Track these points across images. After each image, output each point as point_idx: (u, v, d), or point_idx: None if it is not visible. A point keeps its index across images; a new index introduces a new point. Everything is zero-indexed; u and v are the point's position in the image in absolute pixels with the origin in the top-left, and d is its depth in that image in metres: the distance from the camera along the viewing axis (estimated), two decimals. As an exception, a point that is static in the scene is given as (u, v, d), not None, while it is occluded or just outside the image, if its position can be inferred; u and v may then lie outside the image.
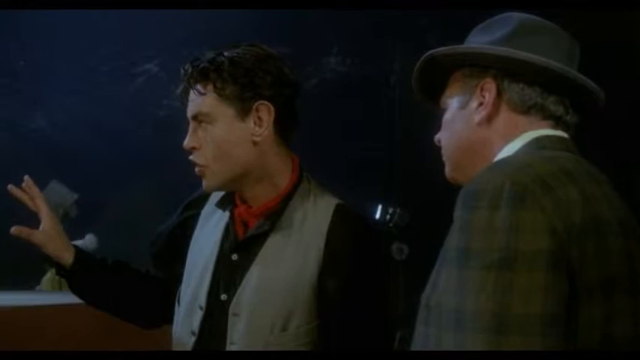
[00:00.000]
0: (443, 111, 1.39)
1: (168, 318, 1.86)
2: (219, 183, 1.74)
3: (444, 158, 1.39)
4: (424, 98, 1.45)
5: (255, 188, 1.75)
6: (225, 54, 1.71)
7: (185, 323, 1.78)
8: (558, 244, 1.08)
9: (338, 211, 1.73)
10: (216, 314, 1.73)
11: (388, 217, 4.26)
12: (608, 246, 1.14)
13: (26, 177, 1.81)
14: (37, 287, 6.09)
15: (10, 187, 1.80)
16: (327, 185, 1.82)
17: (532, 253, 1.07)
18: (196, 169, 1.74)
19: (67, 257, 1.80)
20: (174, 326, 1.83)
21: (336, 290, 1.68)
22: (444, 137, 1.38)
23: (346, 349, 1.68)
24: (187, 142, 1.73)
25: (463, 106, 1.34)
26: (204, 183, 1.75)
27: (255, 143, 1.71)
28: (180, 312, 1.81)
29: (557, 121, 1.31)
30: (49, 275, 6.03)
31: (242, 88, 1.69)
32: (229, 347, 1.70)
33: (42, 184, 1.88)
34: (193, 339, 1.75)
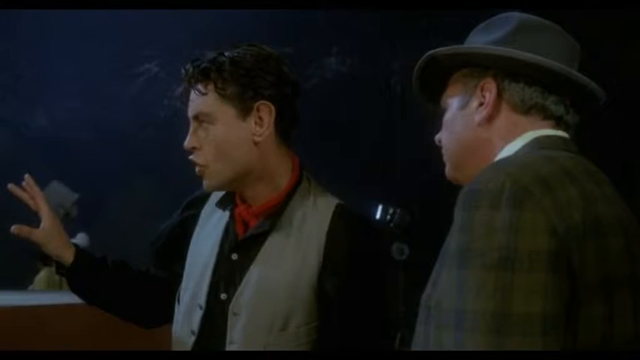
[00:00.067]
0: (443, 111, 1.39)
1: (168, 317, 1.86)
2: (220, 183, 1.74)
3: (445, 158, 1.39)
4: (424, 98, 1.45)
5: (255, 188, 1.75)
6: (226, 54, 1.71)
7: (185, 322, 1.78)
8: (558, 244, 1.08)
9: (338, 211, 1.73)
10: (216, 313, 1.73)
11: (388, 217, 4.26)
12: (608, 246, 1.14)
13: (27, 176, 1.81)
14: (30, 287, 6.09)
15: (10, 186, 1.80)
16: (327, 185, 1.82)
17: (532, 253, 1.07)
18: (197, 169, 1.74)
19: (68, 256, 1.80)
20: (174, 325, 1.83)
21: (336, 290, 1.68)
22: (444, 137, 1.38)
23: (346, 349, 1.68)
24: (188, 142, 1.73)
25: (463, 106, 1.33)
26: (205, 183, 1.75)
27: (255, 143, 1.71)
28: (180, 311, 1.81)
29: (558, 121, 1.31)
30: (43, 274, 6.05)
31: (243, 88, 1.69)
32: (229, 347, 1.70)
33: (42, 184, 1.88)
34: (193, 338, 1.75)
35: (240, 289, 1.72)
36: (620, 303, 1.14)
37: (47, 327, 2.88)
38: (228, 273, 1.75)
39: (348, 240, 1.70)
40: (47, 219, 1.80)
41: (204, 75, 1.70)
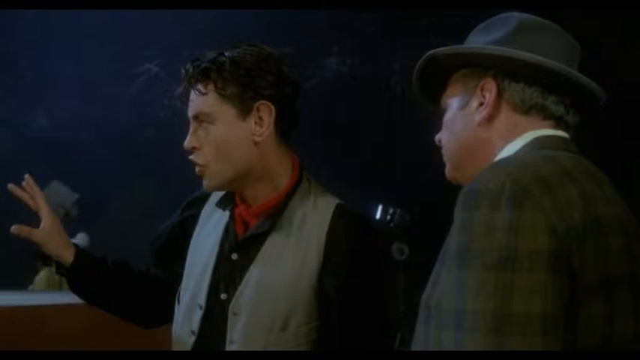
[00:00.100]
0: (443, 111, 1.39)
1: (168, 317, 1.86)
2: (220, 183, 1.74)
3: (445, 158, 1.39)
4: (424, 98, 1.45)
5: (255, 188, 1.75)
6: (226, 54, 1.71)
7: (185, 322, 1.78)
8: (558, 244, 1.08)
9: (338, 211, 1.73)
10: (216, 313, 1.73)
11: (388, 217, 4.26)
12: (608, 246, 1.14)
13: (27, 176, 1.81)
14: (30, 287, 6.10)
15: (10, 186, 1.80)
16: (327, 185, 1.82)
17: (532, 253, 1.07)
18: (197, 169, 1.74)
19: (68, 256, 1.81)
20: (174, 325, 1.83)
21: (336, 290, 1.68)
22: (444, 137, 1.38)
23: (346, 349, 1.68)
24: (188, 142, 1.73)
25: (463, 106, 1.33)
26: (205, 183, 1.75)
27: (255, 143, 1.71)
28: (180, 311, 1.81)
29: (558, 121, 1.31)
30: (43, 274, 6.06)
31: (243, 88, 1.69)
32: (229, 346, 1.70)
33: (42, 184, 1.88)
34: (193, 338, 1.75)
35: (240, 289, 1.72)
36: (620, 303, 1.14)
37: (47, 327, 2.88)
38: (228, 273, 1.75)
39: (348, 240, 1.70)
40: (47, 219, 1.80)
41: (204, 75, 1.70)
